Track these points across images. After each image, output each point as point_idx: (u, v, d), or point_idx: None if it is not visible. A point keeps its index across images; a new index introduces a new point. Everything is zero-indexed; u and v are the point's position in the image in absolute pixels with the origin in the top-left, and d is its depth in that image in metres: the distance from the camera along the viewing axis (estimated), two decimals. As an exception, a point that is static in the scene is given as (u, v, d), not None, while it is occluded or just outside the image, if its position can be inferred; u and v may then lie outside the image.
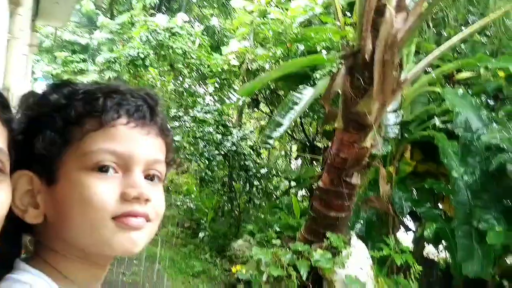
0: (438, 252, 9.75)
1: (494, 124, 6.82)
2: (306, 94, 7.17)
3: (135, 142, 0.72)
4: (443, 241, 7.87)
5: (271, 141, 7.01)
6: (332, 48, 8.43)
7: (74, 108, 0.71)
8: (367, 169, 5.74)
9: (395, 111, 7.04)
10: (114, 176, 0.70)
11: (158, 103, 0.79)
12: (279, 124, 7.03)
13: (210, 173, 8.52)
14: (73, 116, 0.71)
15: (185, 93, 10.71)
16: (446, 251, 8.78)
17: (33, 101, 0.75)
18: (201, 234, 8.27)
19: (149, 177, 0.75)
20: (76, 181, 0.69)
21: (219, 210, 9.13)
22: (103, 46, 17.51)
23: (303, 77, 7.86)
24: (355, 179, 5.53)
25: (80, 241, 0.70)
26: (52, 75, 19.31)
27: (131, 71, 10.72)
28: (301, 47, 8.93)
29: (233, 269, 5.86)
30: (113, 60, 12.51)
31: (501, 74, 7.48)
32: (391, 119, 6.97)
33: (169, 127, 0.83)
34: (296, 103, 7.09)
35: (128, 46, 11.35)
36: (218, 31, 16.45)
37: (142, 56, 10.51)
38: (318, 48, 8.72)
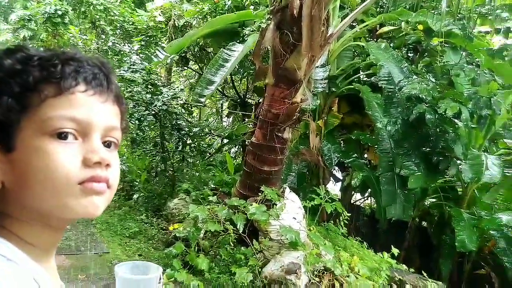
0: (364, 199, 10.37)
1: (414, 76, 7.19)
2: (236, 51, 7.15)
3: (93, 109, 0.73)
4: (369, 189, 8.37)
5: (203, 99, 6.98)
6: (260, 3, 8.38)
7: (31, 74, 0.70)
8: (298, 123, 5.89)
9: (323, 66, 7.20)
10: (74, 142, 0.70)
11: (112, 72, 0.79)
12: (210, 82, 6.99)
13: (141, 133, 8.36)
14: (30, 82, 0.70)
15: (109, 52, 10.25)
16: (372, 197, 9.36)
17: None
18: (135, 196, 8.20)
19: (106, 144, 0.76)
20: (36, 148, 0.68)
21: (153, 170, 9.06)
22: (15, 3, 16.20)
23: (232, 34, 7.80)
24: (287, 134, 5.68)
25: (42, 206, 0.70)
26: (-40, 36, 17.68)
27: (49, 29, 10.05)
28: (229, 3, 8.80)
29: (170, 228, 5.90)
30: (28, 18, 11.65)
31: (420, 27, 7.83)
32: (320, 73, 7.14)
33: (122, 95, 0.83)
34: (226, 60, 7.06)
35: (44, 2, 10.60)
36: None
37: (60, 13, 9.87)
38: (246, 3, 8.64)
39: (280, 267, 4.92)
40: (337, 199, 6.40)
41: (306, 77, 5.46)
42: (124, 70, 7.69)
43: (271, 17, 5.42)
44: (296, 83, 5.41)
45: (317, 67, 6.61)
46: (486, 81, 6.81)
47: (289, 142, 5.99)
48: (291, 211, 5.60)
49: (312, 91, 6.46)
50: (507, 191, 7.41)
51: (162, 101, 7.35)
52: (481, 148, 7.14)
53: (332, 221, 6.89)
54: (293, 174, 7.44)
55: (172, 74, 12.81)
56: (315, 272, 4.97)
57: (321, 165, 7.39)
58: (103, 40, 10.71)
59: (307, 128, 7.38)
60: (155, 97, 7.48)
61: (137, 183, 8.38)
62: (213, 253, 5.42)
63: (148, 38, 10.13)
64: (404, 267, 5.96)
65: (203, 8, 8.96)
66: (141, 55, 9.67)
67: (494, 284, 6.59)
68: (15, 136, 0.69)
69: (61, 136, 0.69)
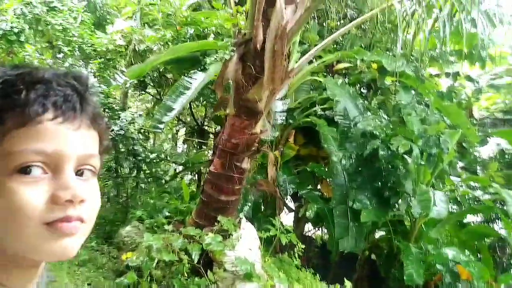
0: (315, 230, 10.49)
1: (369, 113, 7.46)
2: (197, 79, 7.19)
3: (64, 139, 0.65)
4: (322, 220, 8.48)
5: (162, 126, 6.93)
6: (221, 33, 8.49)
7: None
8: (257, 154, 5.95)
9: (282, 98, 7.35)
10: (42, 177, 0.63)
11: (89, 88, 0.71)
12: (170, 109, 6.96)
13: (95, 158, 8.13)
14: None
15: (66, 73, 10.01)
16: (325, 229, 9.49)
17: None
18: (85, 222, 7.92)
19: (80, 173, 0.68)
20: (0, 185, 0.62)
21: (105, 196, 8.82)
22: (-34, 16, 15.59)
23: (193, 62, 7.85)
24: (245, 164, 5.72)
25: (10, 247, 0.64)
26: None
27: (4, 46, 9.74)
28: (191, 31, 8.87)
29: (123, 257, 5.73)
30: (-19, 34, 11.24)
31: (374, 66, 8.19)
32: (279, 106, 7.28)
33: (102, 113, 0.75)
34: (187, 88, 7.08)
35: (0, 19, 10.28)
36: (99, 7, 15.51)
37: (16, 30, 9.58)
38: (207, 33, 8.73)
39: (235, 299, 4.89)
40: (291, 230, 6.46)
41: (266, 109, 5.57)
42: (81, 93, 7.53)
43: (235, 49, 5.52)
44: (256, 114, 5.49)
45: (277, 99, 6.74)
46: (435, 121, 7.16)
47: (247, 172, 6.03)
48: (247, 242, 5.60)
49: (272, 123, 6.56)
50: (451, 227, 7.72)
51: (120, 125, 7.25)
52: (429, 185, 7.44)
53: (286, 252, 6.92)
54: (249, 204, 7.45)
55: (129, 97, 12.63)
56: (269, 304, 4.96)
57: (278, 196, 7.45)
58: (60, 61, 10.46)
59: (265, 159, 7.45)
60: (112, 121, 7.36)
61: (87, 208, 8.12)
62: (165, 283, 5.29)
63: (107, 61, 10.00)
64: (356, 300, 6.05)
65: (165, 34, 8.98)
66: (98, 77, 9.51)
67: (439, 317, 6.78)
68: None
69: (26, 171, 0.62)
